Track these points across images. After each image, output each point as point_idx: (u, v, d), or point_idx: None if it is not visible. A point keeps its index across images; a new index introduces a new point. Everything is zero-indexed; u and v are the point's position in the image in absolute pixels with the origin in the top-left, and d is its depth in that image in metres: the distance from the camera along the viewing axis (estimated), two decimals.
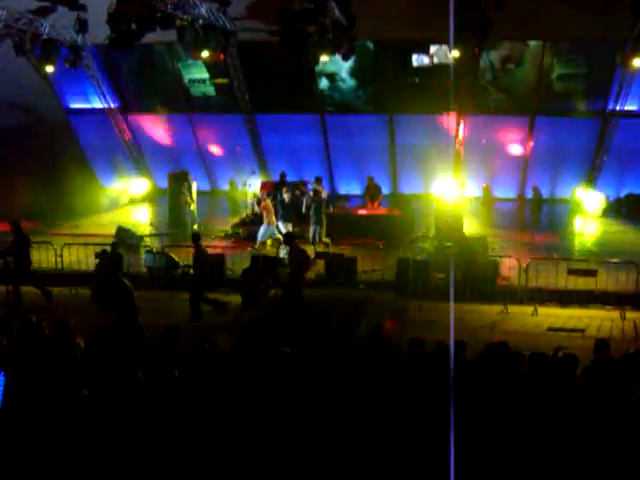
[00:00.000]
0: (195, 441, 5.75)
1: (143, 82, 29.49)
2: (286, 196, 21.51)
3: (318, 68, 27.16)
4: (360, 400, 6.14)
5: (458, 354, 10.02)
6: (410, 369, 8.31)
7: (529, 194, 28.05)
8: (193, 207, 24.82)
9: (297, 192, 23.65)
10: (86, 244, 19.88)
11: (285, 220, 21.86)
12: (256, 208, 22.40)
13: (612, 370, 8.14)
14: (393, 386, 6.53)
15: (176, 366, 8.75)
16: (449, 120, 27.12)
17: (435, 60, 26.59)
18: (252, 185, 26.51)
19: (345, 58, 23.02)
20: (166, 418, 6.19)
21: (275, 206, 23.32)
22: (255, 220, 24.27)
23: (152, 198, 30.50)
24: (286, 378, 6.37)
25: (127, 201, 23.19)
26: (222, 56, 24.83)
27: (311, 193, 22.94)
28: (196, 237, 17.20)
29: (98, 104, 29.82)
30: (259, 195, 22.62)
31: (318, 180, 23.98)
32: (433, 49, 26.34)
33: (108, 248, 17.78)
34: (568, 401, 5.63)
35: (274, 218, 21.94)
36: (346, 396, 6.62)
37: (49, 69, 23.41)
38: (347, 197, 27.11)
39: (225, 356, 7.34)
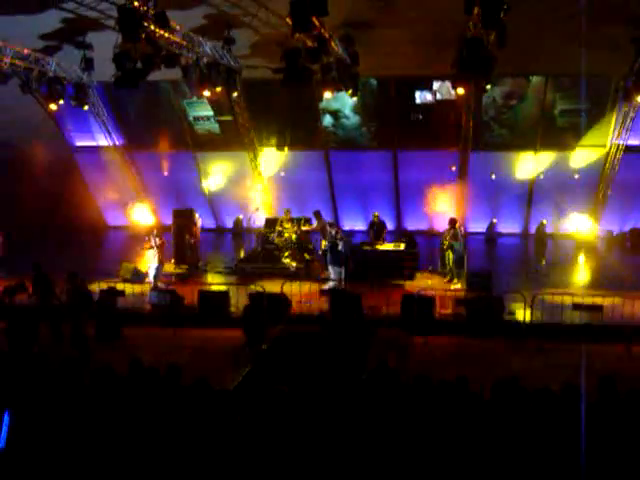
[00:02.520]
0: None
1: (148, 120, 29.68)
2: (340, 243, 21.10)
3: (322, 105, 27.36)
4: (364, 437, 6.10)
5: (461, 390, 9.98)
6: (417, 406, 8.27)
7: (533, 229, 28.11)
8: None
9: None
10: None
11: (337, 265, 21.18)
12: (155, 245, 21.86)
13: (617, 407, 8.10)
14: (401, 423, 6.50)
15: (178, 403, 8.74)
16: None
17: (438, 96, 26.79)
18: (256, 222, 26.65)
19: (353, 94, 23.22)
20: (169, 455, 6.17)
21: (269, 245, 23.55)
22: (258, 257, 24.41)
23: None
24: (285, 417, 6.35)
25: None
26: (226, 94, 24.97)
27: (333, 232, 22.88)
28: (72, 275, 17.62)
29: (104, 142, 30.00)
30: (154, 232, 22.17)
31: (318, 214, 24.00)
32: (436, 85, 26.55)
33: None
34: (573, 436, 5.60)
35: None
36: (349, 435, 6.60)
37: (53, 107, 23.54)
38: (351, 233, 27.14)
39: (229, 394, 7.32)
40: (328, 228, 22.93)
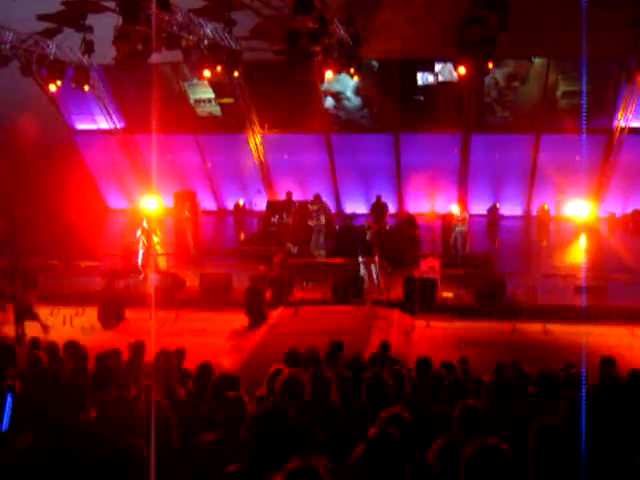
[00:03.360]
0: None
1: (149, 102, 29.50)
2: (368, 233, 20.98)
3: (323, 87, 27.23)
4: (360, 419, 6.11)
5: (463, 372, 10.00)
6: (417, 389, 8.28)
7: (535, 212, 28.04)
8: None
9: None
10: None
11: (368, 254, 20.99)
12: (142, 236, 22.00)
13: (619, 388, 8.10)
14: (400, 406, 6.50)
15: (183, 385, 8.75)
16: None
17: (440, 78, 26.69)
18: (258, 204, 26.67)
19: (355, 74, 23.08)
20: (170, 434, 6.18)
21: (278, 227, 23.50)
22: (260, 239, 24.41)
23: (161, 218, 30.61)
24: (283, 396, 6.37)
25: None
26: (228, 76, 24.88)
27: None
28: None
29: (105, 125, 29.93)
30: (145, 220, 22.33)
31: (318, 197, 24.02)
32: (438, 67, 26.44)
33: None
34: (575, 419, 5.59)
35: None
36: (346, 416, 6.62)
37: (52, 88, 23.40)
38: (353, 216, 27.12)
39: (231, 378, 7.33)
40: (309, 207, 23.03)
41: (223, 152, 30.17)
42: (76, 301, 18.77)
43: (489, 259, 21.36)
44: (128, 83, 28.45)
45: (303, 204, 24.95)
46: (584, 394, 6.45)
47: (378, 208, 25.38)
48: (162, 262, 22.63)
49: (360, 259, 20.68)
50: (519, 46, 22.36)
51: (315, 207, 23.10)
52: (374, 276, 20.12)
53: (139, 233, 21.83)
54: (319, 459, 3.86)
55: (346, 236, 22.95)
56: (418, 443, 5.41)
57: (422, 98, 27.29)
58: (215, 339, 16.54)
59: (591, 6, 11.54)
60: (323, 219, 22.56)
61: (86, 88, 25.15)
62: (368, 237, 20.82)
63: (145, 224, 22.06)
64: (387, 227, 24.62)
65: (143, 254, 21.75)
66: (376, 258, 20.49)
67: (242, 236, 26.36)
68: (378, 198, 25.60)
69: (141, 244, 21.77)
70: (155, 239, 22.25)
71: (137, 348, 10.41)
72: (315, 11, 17.02)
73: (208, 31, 21.22)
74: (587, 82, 25.77)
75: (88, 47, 22.05)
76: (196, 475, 5.53)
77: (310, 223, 23.09)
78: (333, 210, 27.34)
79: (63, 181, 27.54)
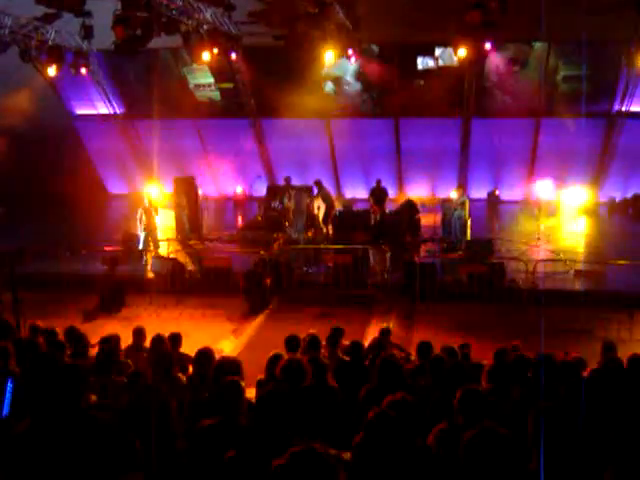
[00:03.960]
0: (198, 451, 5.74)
1: (149, 88, 29.43)
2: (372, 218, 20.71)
3: (323, 72, 27.14)
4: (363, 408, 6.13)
5: (464, 357, 10.02)
6: (418, 375, 8.30)
7: (535, 196, 27.98)
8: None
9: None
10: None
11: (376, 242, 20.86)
12: (143, 215, 21.95)
13: (620, 372, 8.12)
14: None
15: (183, 371, 8.76)
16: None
17: (440, 62, 26.61)
18: (258, 190, 26.63)
19: (354, 59, 23.02)
20: (172, 418, 6.21)
21: (280, 212, 23.47)
22: (260, 224, 24.37)
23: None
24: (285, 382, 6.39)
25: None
26: (227, 61, 24.80)
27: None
28: None
29: (104, 110, 29.87)
30: (146, 199, 22.32)
31: (319, 183, 23.99)
32: (438, 52, 26.36)
33: None
34: (575, 403, 5.61)
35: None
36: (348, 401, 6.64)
37: (51, 73, 23.31)
38: (353, 200, 27.08)
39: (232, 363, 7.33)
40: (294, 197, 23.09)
41: (223, 137, 30.10)
42: (77, 287, 18.78)
43: (489, 244, 21.32)
44: (127, 68, 28.43)
45: (301, 189, 24.90)
46: (584, 379, 6.47)
47: (378, 192, 25.32)
48: (163, 247, 22.58)
49: (370, 248, 20.53)
50: (519, 30, 22.28)
51: (292, 192, 23.23)
52: (386, 262, 20.00)
53: (140, 212, 21.75)
54: (321, 444, 3.88)
55: (345, 221, 22.89)
56: (419, 427, 5.43)
57: (422, 82, 27.21)
58: (215, 324, 16.56)
59: None
60: (292, 203, 22.69)
61: (83, 71, 25.07)
62: (372, 222, 20.71)
63: (146, 202, 22.04)
64: (387, 211, 24.56)
65: (144, 237, 21.70)
66: (383, 246, 20.37)
67: (242, 221, 26.30)
68: (378, 182, 25.53)
69: (142, 225, 21.70)
70: (156, 218, 22.17)
71: (138, 334, 10.45)
72: None
73: (207, 16, 21.14)
74: (587, 66, 25.70)
75: (87, 32, 21.96)
76: (196, 460, 5.55)
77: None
78: (333, 195, 27.29)
79: (62, 166, 27.52)
